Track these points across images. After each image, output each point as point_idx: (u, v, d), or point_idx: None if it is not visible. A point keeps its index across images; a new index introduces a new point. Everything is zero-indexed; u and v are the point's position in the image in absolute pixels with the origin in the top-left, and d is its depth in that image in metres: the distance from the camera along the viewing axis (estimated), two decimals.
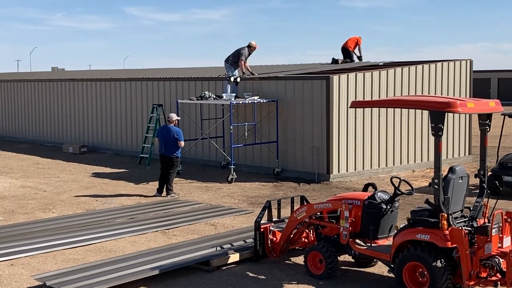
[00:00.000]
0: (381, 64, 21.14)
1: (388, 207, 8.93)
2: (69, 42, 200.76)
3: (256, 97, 18.12)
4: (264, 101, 18.06)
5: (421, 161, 19.46)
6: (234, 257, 9.86)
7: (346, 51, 21.98)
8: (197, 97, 18.93)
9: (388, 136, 18.50)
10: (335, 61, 21.97)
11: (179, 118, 16.27)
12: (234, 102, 17.56)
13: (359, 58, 22.04)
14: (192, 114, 20.08)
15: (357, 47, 22.02)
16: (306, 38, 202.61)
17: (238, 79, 18.75)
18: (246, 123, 18.25)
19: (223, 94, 18.24)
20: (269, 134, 18.43)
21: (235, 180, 17.21)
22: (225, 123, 19.01)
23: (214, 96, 18.70)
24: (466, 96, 20.47)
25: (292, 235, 9.92)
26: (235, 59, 18.68)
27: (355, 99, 17.10)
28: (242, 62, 18.65)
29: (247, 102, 17.85)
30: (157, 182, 15.60)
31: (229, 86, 18.67)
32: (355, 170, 17.68)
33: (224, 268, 9.66)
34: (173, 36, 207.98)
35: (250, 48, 18.74)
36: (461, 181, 8.34)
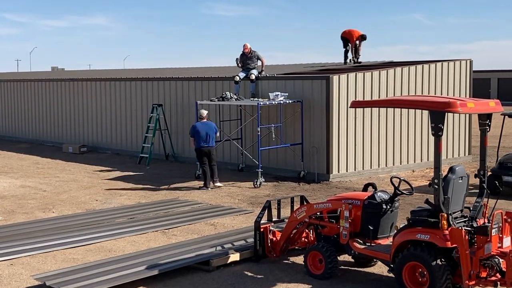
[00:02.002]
0: (381, 64, 21.15)
1: (388, 207, 8.93)
2: (69, 42, 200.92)
3: (280, 93, 17.41)
4: (290, 101, 17.43)
5: (421, 161, 19.46)
6: (234, 257, 9.86)
7: (346, 41, 21.54)
8: (218, 98, 18.39)
9: (388, 136, 18.50)
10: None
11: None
12: (262, 103, 17.04)
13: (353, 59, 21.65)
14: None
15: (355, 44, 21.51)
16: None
17: (253, 76, 18.66)
18: (273, 125, 17.51)
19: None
20: (294, 136, 17.84)
21: (235, 179, 17.21)
22: (244, 125, 18.78)
23: (236, 97, 18.21)
24: (466, 96, 20.47)
25: (292, 235, 9.92)
26: None
27: (355, 99, 17.10)
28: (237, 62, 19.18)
29: (273, 103, 17.28)
30: (156, 182, 15.57)
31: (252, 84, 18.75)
32: (355, 170, 17.67)
33: (224, 268, 9.66)
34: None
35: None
36: (461, 181, 8.34)
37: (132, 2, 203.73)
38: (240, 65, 19.09)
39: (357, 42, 21.53)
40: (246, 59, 18.96)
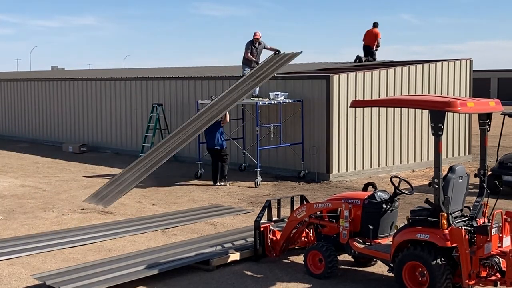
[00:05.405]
0: (381, 64, 21.14)
1: (388, 206, 8.94)
2: (66, 42, 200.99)
3: (280, 93, 17.25)
4: (290, 101, 17.39)
5: (421, 160, 19.46)
6: (234, 257, 9.86)
7: (367, 49, 21.67)
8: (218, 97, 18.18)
9: (388, 136, 18.50)
10: (358, 58, 21.62)
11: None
12: (260, 103, 16.98)
13: (377, 47, 21.78)
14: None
15: (376, 42, 21.68)
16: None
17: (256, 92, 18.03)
18: (272, 125, 17.46)
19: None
20: (294, 135, 17.84)
21: (235, 179, 17.19)
22: (245, 125, 18.78)
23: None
24: (466, 96, 20.47)
25: (292, 235, 9.92)
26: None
27: (355, 98, 17.09)
28: (248, 53, 18.19)
29: (273, 102, 17.23)
30: (156, 181, 15.57)
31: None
32: (355, 169, 17.67)
33: (224, 267, 9.66)
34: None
35: (254, 38, 18.25)
36: (461, 180, 8.34)
37: (118, 2, 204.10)
38: (249, 53, 18.03)
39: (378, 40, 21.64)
40: (256, 51, 18.10)
